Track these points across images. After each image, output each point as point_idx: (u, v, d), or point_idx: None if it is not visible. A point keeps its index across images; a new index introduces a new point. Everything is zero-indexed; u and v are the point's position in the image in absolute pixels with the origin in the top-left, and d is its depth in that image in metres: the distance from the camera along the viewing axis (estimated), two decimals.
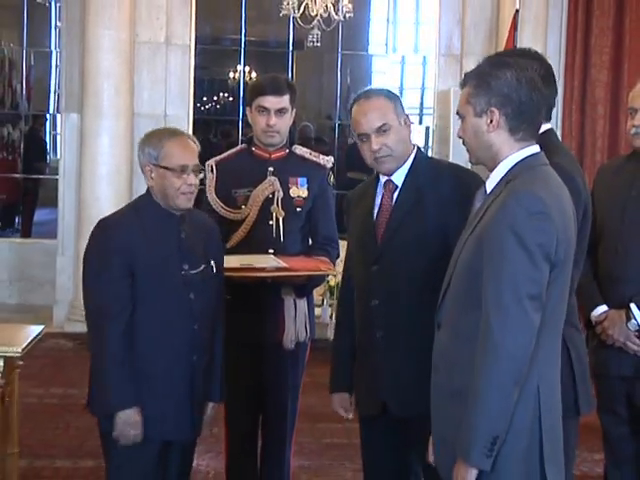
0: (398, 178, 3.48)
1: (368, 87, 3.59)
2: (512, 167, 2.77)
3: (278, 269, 3.95)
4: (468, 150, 2.90)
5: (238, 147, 4.47)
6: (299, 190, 4.27)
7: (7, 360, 4.07)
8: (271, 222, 4.21)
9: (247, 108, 4.29)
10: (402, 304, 3.38)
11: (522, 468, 2.68)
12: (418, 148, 3.55)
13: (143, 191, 3.67)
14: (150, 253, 3.48)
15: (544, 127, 3.27)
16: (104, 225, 3.57)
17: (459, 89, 3.21)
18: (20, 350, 4.07)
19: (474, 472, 2.63)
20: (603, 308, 4.09)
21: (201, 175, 3.61)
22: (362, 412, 3.60)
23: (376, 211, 3.49)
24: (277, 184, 4.23)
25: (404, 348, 3.39)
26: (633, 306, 4.01)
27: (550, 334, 2.72)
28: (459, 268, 2.79)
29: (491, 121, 2.77)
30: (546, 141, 3.24)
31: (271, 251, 4.14)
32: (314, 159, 4.35)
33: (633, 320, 4.01)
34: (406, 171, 3.47)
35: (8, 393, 4.21)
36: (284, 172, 4.25)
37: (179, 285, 3.52)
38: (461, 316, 2.76)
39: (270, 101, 4.17)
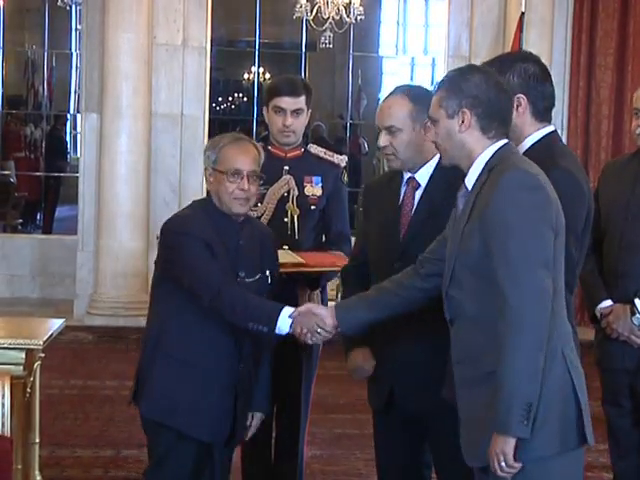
0: (421, 177, 3.44)
1: (405, 84, 3.55)
2: (490, 158, 2.83)
3: (295, 265, 3.94)
4: (441, 152, 2.96)
5: None
6: (314, 188, 4.26)
7: (29, 352, 4.06)
8: (286, 219, 4.20)
9: (264, 108, 4.28)
10: None
11: (557, 431, 2.70)
12: None
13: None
14: (220, 254, 3.41)
15: (547, 129, 3.24)
16: (181, 219, 3.50)
17: None
18: (41, 343, 4.07)
19: (513, 442, 2.62)
20: (608, 302, 4.07)
21: (260, 182, 3.52)
22: (372, 404, 3.58)
23: (399, 208, 3.45)
24: (292, 182, 4.22)
25: (416, 344, 3.37)
26: (637, 301, 4.00)
27: (559, 299, 2.76)
28: (462, 260, 2.81)
29: (463, 121, 2.83)
30: (551, 144, 3.22)
31: (286, 247, 4.13)
32: (329, 158, 4.34)
33: (637, 315, 4.00)
34: (431, 171, 3.43)
35: (30, 384, 4.20)
36: (299, 171, 4.24)
37: None
38: (476, 303, 2.78)
39: (286, 102, 4.16)
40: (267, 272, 3.57)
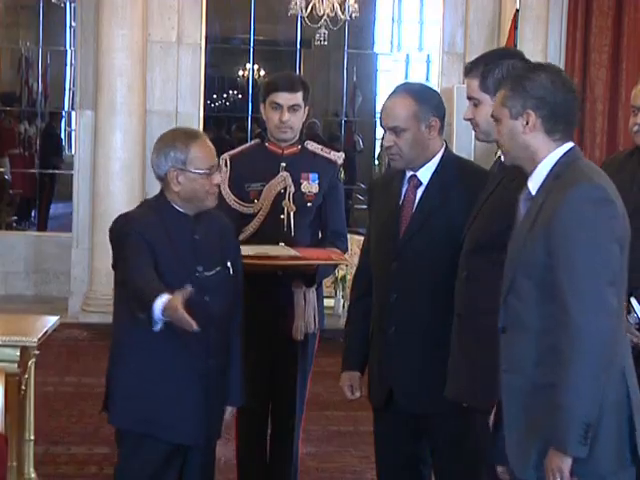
0: (423, 175, 3.43)
1: (407, 82, 3.55)
2: (554, 164, 2.75)
3: (291, 257, 3.94)
4: (504, 152, 2.88)
5: (252, 142, 4.46)
6: (310, 185, 4.25)
7: (23, 349, 4.06)
8: (282, 216, 4.19)
9: (261, 104, 4.27)
10: (418, 302, 3.35)
11: (614, 449, 2.66)
12: (446, 147, 3.48)
13: (155, 186, 3.59)
14: (167, 252, 3.36)
15: None
16: (126, 218, 3.46)
17: (462, 86, 3.21)
18: (36, 340, 4.07)
19: (569, 461, 2.58)
20: None
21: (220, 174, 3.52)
22: (372, 402, 3.58)
23: (399, 206, 3.44)
24: (289, 179, 4.21)
25: (415, 345, 3.36)
26: (633, 300, 3.99)
27: (621, 315, 2.72)
28: (523, 269, 2.72)
29: (527, 123, 2.75)
30: None
31: (282, 244, 4.12)
32: (325, 155, 4.32)
33: (633, 313, 3.99)
34: (432, 170, 3.42)
35: (25, 382, 4.20)
36: (296, 168, 4.23)
37: (193, 287, 3.30)
38: (533, 313, 2.71)
39: (283, 97, 4.15)
40: (228, 263, 3.52)
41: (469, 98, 3.22)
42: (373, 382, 3.55)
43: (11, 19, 12.93)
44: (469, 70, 3.23)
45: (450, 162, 3.46)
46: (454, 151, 3.73)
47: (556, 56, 9.11)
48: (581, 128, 9.18)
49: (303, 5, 8.92)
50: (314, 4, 8.96)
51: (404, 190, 3.46)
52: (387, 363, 3.43)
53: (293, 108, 4.18)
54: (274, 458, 4.36)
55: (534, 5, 8.85)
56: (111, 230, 3.46)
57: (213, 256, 3.48)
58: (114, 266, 3.46)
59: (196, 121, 9.36)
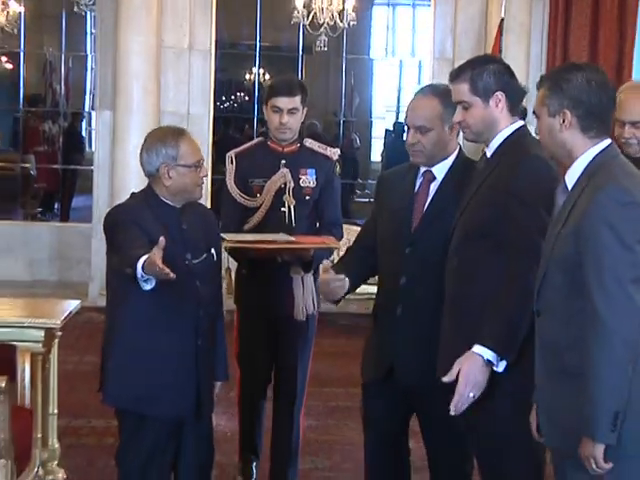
0: (438, 171, 3.43)
1: (429, 84, 3.50)
2: (590, 162, 2.72)
3: (288, 242, 3.96)
4: (543, 147, 2.86)
5: (256, 140, 4.49)
6: (308, 181, 4.28)
7: (47, 331, 4.06)
8: (283, 209, 4.22)
9: (264, 106, 4.28)
10: (427, 286, 3.33)
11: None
12: (460, 148, 3.49)
13: None
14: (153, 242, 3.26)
15: (518, 123, 3.22)
16: (122, 208, 3.45)
17: (451, 86, 3.20)
18: (59, 322, 4.07)
19: (601, 448, 2.56)
20: None
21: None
22: (366, 378, 3.56)
23: (413, 195, 3.44)
24: (289, 175, 4.23)
25: (421, 326, 3.35)
26: None
27: None
28: (554, 263, 2.70)
29: (563, 121, 2.72)
30: (521, 136, 3.20)
31: (281, 234, 4.12)
32: (322, 151, 4.35)
33: None
34: (448, 167, 3.42)
35: (48, 360, 4.20)
36: (295, 164, 4.25)
37: (186, 274, 3.32)
38: (564, 304, 2.68)
39: (283, 102, 4.17)
40: (212, 250, 3.52)
41: (458, 102, 3.20)
42: (371, 360, 3.52)
43: (36, 27, 12.92)
44: (456, 76, 3.21)
45: (463, 162, 3.46)
46: None
47: (538, 61, 9.09)
48: None
49: (305, 14, 8.92)
50: (315, 13, 8.96)
51: (418, 182, 3.46)
52: (391, 339, 3.41)
53: (291, 111, 4.19)
54: (277, 430, 4.37)
55: (517, 15, 8.83)
56: (106, 219, 3.43)
57: (199, 244, 3.48)
58: (108, 252, 3.42)
59: (206, 121, 9.35)
